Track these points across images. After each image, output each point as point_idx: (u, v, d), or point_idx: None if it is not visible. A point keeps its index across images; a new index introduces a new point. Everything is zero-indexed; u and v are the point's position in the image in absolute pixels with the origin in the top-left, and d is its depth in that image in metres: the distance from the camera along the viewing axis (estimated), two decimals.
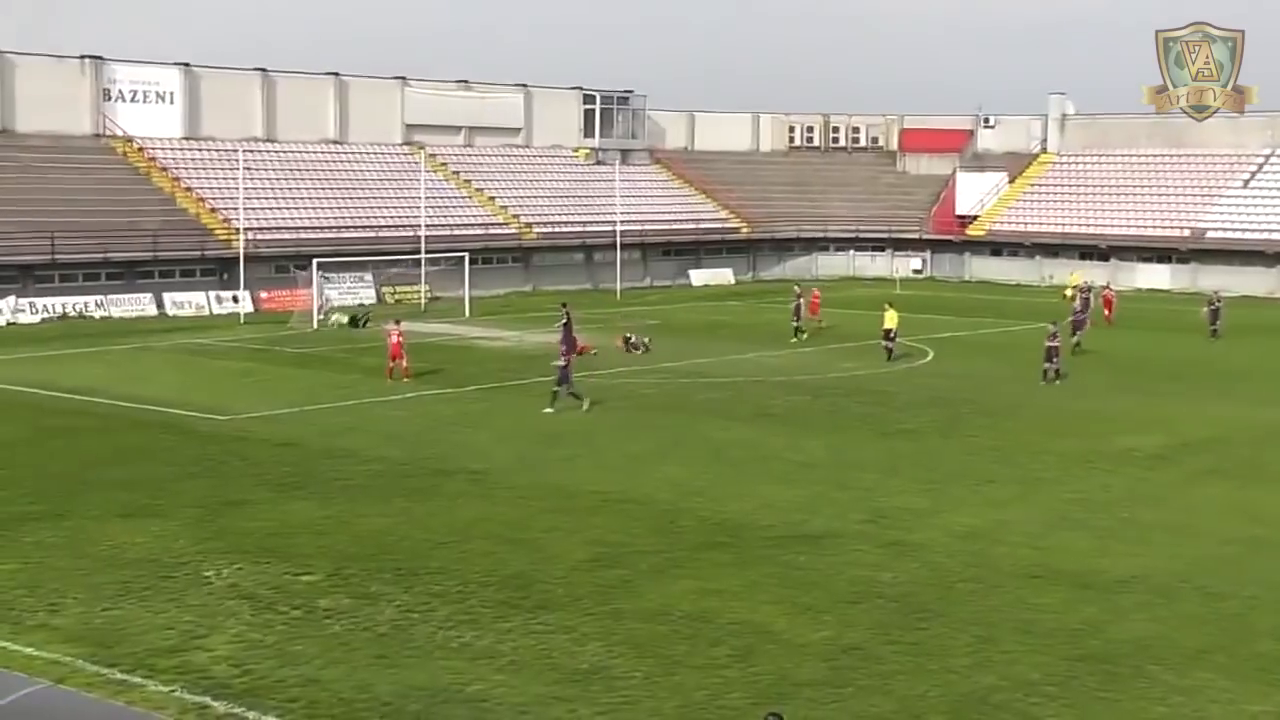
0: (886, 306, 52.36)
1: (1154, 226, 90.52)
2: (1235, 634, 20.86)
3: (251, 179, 74.35)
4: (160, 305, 68.15)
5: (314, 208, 78.86)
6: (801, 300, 59.44)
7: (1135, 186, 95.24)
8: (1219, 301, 62.05)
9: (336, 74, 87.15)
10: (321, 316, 63.38)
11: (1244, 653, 20.05)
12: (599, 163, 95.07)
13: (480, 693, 18.32)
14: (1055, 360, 46.46)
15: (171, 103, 79.76)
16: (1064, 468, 32.88)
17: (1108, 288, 70.38)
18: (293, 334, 59.97)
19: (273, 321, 64.79)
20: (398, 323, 47.58)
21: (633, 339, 54.28)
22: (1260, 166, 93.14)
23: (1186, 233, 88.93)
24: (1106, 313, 65.74)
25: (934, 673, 19.17)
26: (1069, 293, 71.06)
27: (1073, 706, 18.07)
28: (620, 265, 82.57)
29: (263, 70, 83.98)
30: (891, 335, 51.41)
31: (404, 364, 45.41)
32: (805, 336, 57.73)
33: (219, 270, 71.70)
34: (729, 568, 24.08)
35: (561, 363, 40.57)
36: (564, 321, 51.09)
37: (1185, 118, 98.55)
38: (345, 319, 62.54)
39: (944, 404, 42.04)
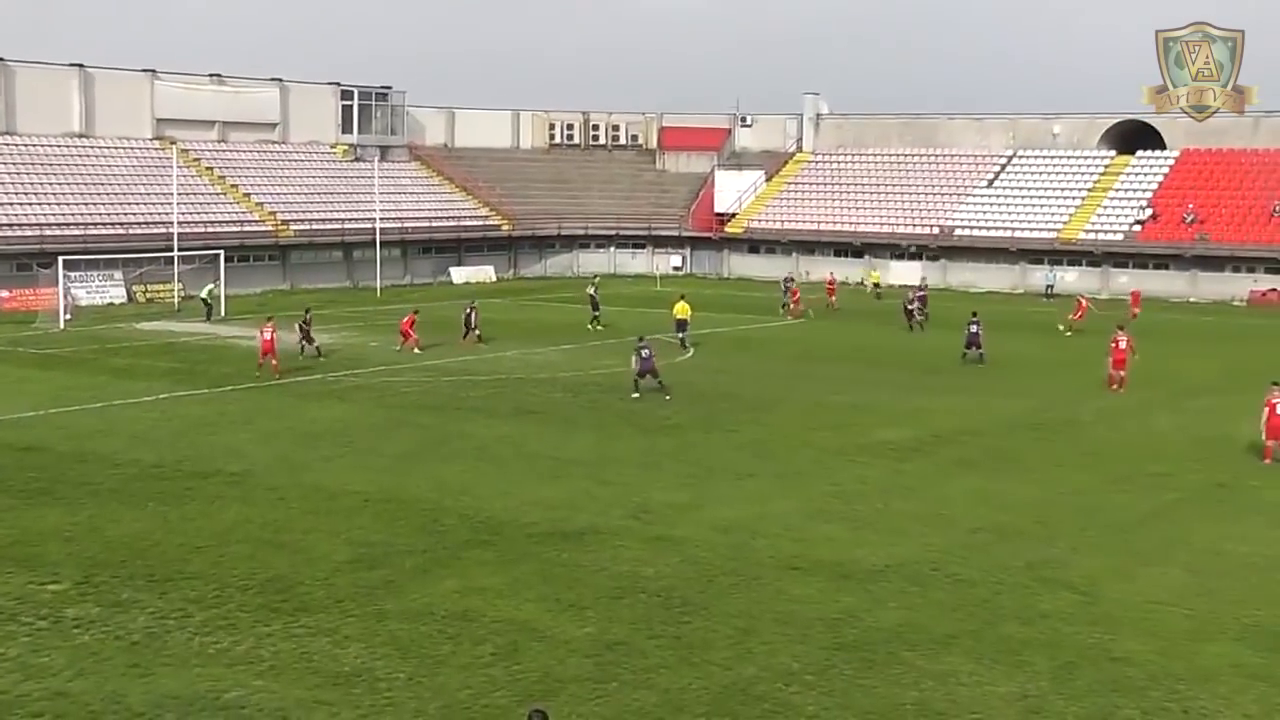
0: (680, 298, 55.93)
1: (905, 224, 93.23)
2: (982, 618, 21.57)
3: None
4: None
5: (59, 203, 76.18)
6: (597, 294, 63.89)
7: (887, 185, 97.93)
8: (915, 300, 64.77)
9: (81, 65, 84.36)
10: (207, 293, 64.23)
11: (990, 636, 20.74)
12: (357, 159, 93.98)
13: (239, 699, 17.92)
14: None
15: None
16: (821, 461, 33.59)
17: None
18: (37, 334, 57.89)
19: (15, 322, 62.43)
20: (270, 320, 47.72)
21: (307, 326, 51.70)
22: (1003, 167, 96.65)
23: (936, 230, 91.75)
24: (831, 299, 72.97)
25: (696, 665, 19.38)
26: (869, 287, 77.42)
27: (831, 695, 18.46)
28: (380, 263, 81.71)
29: None
30: (682, 325, 54.14)
31: (274, 361, 45.20)
32: (601, 328, 60.68)
33: None
34: (492, 566, 24.00)
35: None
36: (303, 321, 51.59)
37: (935, 118, 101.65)
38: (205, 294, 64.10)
39: (704, 399, 42.57)
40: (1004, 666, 19.53)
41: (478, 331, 54.98)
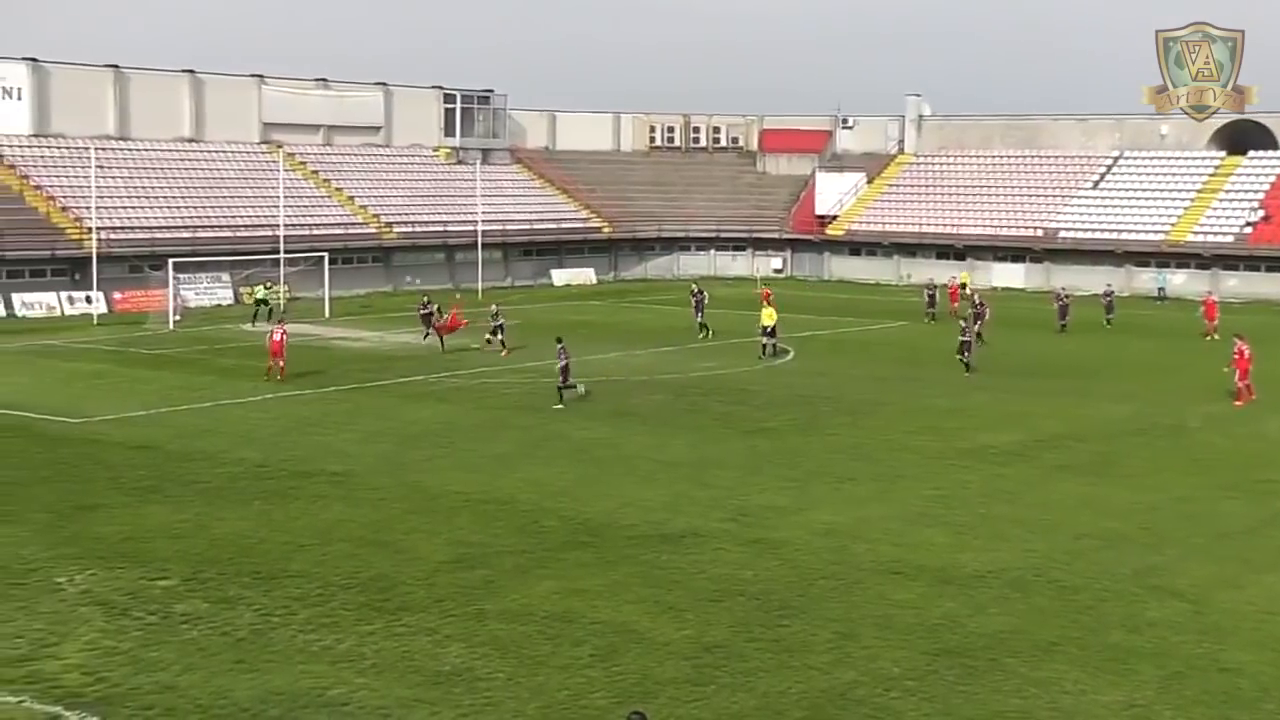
0: (765, 303, 55.40)
1: (1008, 226, 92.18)
2: (1087, 626, 21.29)
3: (104, 177, 72.85)
4: (9, 306, 66.50)
5: (169, 207, 77.46)
6: (704, 295, 61.72)
7: (990, 187, 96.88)
8: (1067, 298, 65.25)
9: (192, 71, 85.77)
10: (266, 292, 64.99)
11: (1095, 644, 20.46)
12: (460, 162, 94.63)
13: (341, 696, 18.11)
14: (967, 354, 49.78)
15: (19, 99, 77.83)
16: (922, 465, 33.33)
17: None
18: (148, 335, 58.91)
19: (127, 322, 63.60)
20: (281, 322, 48.10)
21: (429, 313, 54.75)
22: (1109, 168, 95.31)
23: (1040, 233, 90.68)
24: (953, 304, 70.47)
25: (795, 669, 19.31)
26: (968, 292, 75.43)
27: (931, 700, 18.30)
28: (481, 265, 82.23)
29: (115, 67, 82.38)
30: (771, 331, 53.11)
31: (280, 364, 45.07)
32: (710, 335, 58.99)
33: (71, 270, 70.18)
34: (591, 567, 24.07)
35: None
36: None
37: (1039, 119, 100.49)
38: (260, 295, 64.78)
39: (804, 402, 42.40)
40: (1109, 675, 19.25)
41: (501, 338, 53.51)
